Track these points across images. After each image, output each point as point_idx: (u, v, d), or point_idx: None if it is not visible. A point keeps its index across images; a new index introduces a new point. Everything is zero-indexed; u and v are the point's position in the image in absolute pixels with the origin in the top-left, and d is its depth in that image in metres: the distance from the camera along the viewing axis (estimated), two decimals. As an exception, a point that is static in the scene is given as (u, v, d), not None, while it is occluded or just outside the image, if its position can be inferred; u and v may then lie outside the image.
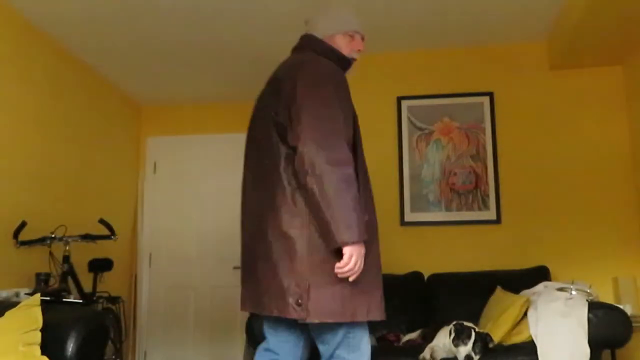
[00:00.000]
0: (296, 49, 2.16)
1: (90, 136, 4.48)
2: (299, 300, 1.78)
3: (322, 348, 1.95)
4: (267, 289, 1.86)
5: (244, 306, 2.00)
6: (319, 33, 2.14)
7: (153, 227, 5.27)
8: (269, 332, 2.06)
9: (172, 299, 5.13)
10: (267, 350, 2.04)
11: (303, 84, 1.86)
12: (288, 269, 1.81)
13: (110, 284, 4.25)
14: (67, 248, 3.54)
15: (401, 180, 4.10)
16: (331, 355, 1.93)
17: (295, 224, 1.83)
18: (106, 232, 3.63)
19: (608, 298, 3.68)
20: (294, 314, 1.79)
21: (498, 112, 4.10)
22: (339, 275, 1.78)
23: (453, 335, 2.51)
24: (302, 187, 1.81)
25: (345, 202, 1.74)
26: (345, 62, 2.12)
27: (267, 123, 1.96)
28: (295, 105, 1.83)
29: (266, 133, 1.95)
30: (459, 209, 4.01)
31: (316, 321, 1.78)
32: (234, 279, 4.93)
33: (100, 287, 3.88)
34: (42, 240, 3.47)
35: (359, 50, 2.18)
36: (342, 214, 1.73)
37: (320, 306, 1.77)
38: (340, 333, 1.90)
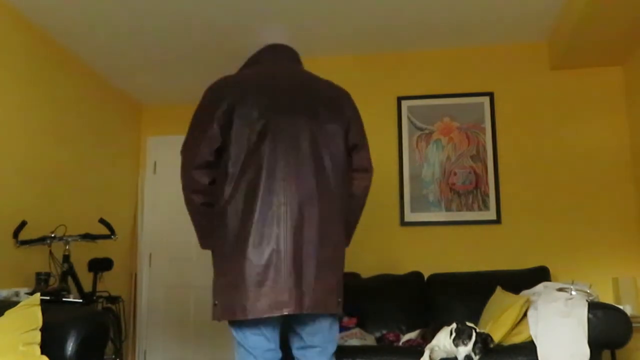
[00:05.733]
0: (297, 62, 2.21)
1: (91, 136, 4.48)
2: (340, 299, 2.00)
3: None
4: (319, 288, 1.94)
5: (288, 308, 1.88)
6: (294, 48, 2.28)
7: (153, 227, 5.27)
8: (268, 331, 1.97)
9: (172, 299, 5.13)
10: (272, 350, 1.99)
11: (358, 116, 2.15)
12: (337, 268, 2.00)
13: (110, 283, 4.25)
14: (67, 248, 3.54)
15: (401, 180, 4.10)
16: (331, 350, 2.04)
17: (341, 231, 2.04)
18: (106, 231, 3.63)
19: (608, 298, 3.68)
20: (339, 309, 2.00)
21: (498, 112, 4.10)
22: None
23: (454, 335, 2.51)
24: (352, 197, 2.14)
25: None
26: None
27: (328, 132, 2.02)
28: (362, 133, 2.15)
29: (327, 141, 2.02)
30: (459, 209, 4.01)
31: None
32: (234, 279, 4.93)
33: (100, 287, 3.87)
34: (42, 240, 3.47)
35: None
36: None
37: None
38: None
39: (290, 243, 1.89)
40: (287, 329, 2.06)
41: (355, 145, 2.10)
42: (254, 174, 1.92)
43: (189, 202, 2.08)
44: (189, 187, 2.06)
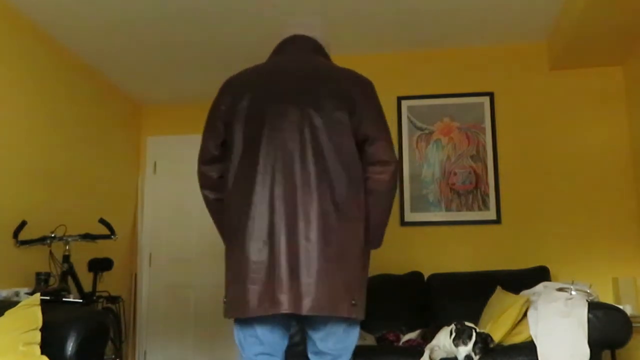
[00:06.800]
0: (314, 52, 2.12)
1: (90, 136, 4.48)
2: (353, 301, 1.86)
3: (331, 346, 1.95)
4: (324, 288, 1.83)
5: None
6: (319, 39, 2.17)
7: (153, 227, 5.27)
8: (265, 334, 1.93)
9: (172, 299, 5.13)
10: (265, 354, 1.95)
11: (374, 105, 2.01)
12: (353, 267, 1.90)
13: (110, 283, 4.25)
14: (67, 247, 3.54)
15: (401, 180, 4.10)
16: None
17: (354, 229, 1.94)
18: (106, 231, 3.63)
19: (608, 298, 3.68)
20: (352, 313, 1.86)
21: (498, 112, 4.10)
22: None
23: (454, 335, 2.51)
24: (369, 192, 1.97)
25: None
26: None
27: (331, 123, 1.91)
28: (378, 124, 1.99)
29: (330, 133, 1.90)
30: (459, 209, 4.01)
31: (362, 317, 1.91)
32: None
33: (100, 287, 3.87)
34: (42, 240, 3.47)
35: None
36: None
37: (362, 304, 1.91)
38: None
39: (285, 239, 1.81)
40: (301, 331, 2.02)
41: (367, 136, 1.93)
42: (250, 167, 1.89)
43: (204, 199, 2.09)
44: (201, 183, 2.08)
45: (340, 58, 4.32)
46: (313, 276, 1.79)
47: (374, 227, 1.98)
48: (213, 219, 2.13)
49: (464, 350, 2.44)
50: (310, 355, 2.00)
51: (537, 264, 3.65)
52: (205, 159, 2.04)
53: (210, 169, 2.04)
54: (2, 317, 2.24)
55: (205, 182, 2.07)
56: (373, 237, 1.99)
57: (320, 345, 1.93)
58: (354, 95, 1.96)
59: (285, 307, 1.77)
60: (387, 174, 1.94)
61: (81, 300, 3.34)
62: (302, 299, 1.78)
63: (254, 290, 1.80)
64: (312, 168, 1.86)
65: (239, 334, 1.95)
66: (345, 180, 1.88)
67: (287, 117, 1.90)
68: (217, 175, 2.03)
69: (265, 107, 1.92)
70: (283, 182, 1.85)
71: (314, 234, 1.81)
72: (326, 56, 2.15)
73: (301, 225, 1.81)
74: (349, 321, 1.92)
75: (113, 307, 3.95)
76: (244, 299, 1.81)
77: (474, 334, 2.47)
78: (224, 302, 1.91)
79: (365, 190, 1.94)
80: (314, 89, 1.94)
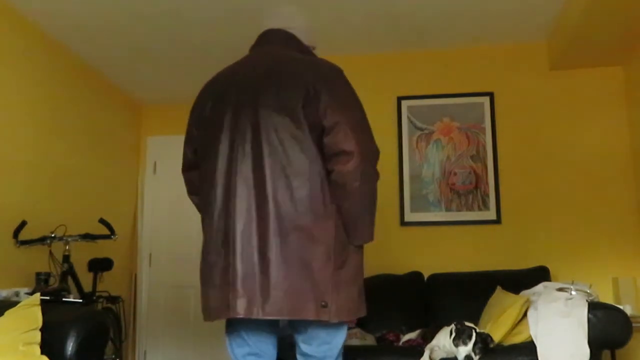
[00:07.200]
0: (285, 44, 2.04)
1: (91, 136, 4.48)
2: (323, 303, 1.76)
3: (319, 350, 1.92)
4: (286, 290, 1.77)
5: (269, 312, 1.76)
6: (293, 29, 2.09)
7: (153, 227, 5.27)
8: (249, 335, 1.94)
9: (172, 299, 5.13)
10: (252, 354, 1.95)
11: (338, 95, 1.87)
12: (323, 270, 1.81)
13: (110, 283, 4.25)
14: (67, 247, 3.54)
15: (401, 180, 4.10)
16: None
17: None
18: (106, 231, 3.63)
19: (608, 298, 3.68)
20: (323, 315, 1.76)
21: (498, 112, 4.10)
22: None
23: (454, 335, 2.51)
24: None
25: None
26: None
27: (284, 116, 1.81)
28: (340, 112, 1.85)
29: (285, 125, 1.81)
30: (459, 209, 4.01)
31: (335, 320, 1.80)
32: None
33: (100, 287, 3.88)
34: (42, 240, 3.47)
35: None
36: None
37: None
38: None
39: (240, 243, 1.75)
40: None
41: (324, 127, 1.80)
42: (210, 170, 1.89)
43: (194, 204, 2.11)
44: (187, 190, 2.12)
45: (340, 58, 4.33)
46: (270, 280, 1.73)
47: (351, 221, 1.86)
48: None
49: (464, 350, 2.44)
50: (298, 357, 1.98)
51: (537, 264, 3.65)
52: (184, 166, 2.09)
53: (191, 175, 2.08)
54: (2, 317, 2.24)
55: (190, 188, 2.11)
56: (354, 231, 1.87)
57: (304, 348, 1.90)
58: (313, 84, 1.82)
59: (238, 311, 1.74)
60: (348, 165, 1.79)
61: (81, 300, 3.34)
62: (255, 303, 1.73)
63: (213, 295, 1.80)
64: (267, 168, 1.78)
65: (227, 335, 1.97)
66: (305, 177, 1.79)
67: (241, 118, 1.85)
68: (198, 180, 2.03)
69: (223, 110, 1.91)
70: (241, 184, 1.80)
71: (271, 237, 1.74)
72: (299, 45, 2.04)
73: (257, 227, 1.76)
74: (335, 325, 1.85)
75: (113, 307, 3.95)
76: (207, 304, 1.84)
77: (473, 334, 2.47)
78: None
79: (332, 184, 1.83)
80: (272, 84, 1.86)
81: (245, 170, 1.81)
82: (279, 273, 1.73)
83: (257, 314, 1.73)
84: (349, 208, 1.84)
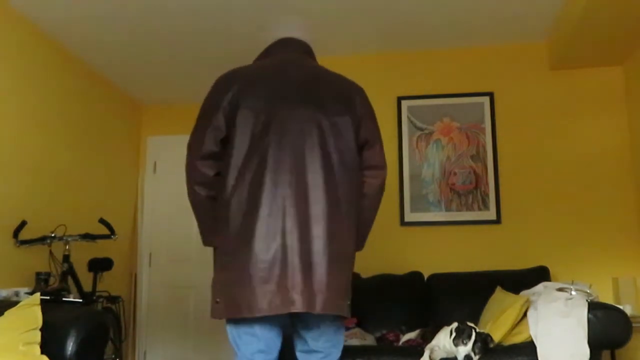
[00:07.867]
0: (308, 55, 2.13)
1: (90, 136, 4.48)
2: (348, 301, 1.92)
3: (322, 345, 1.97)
4: (332, 287, 1.85)
5: (293, 306, 1.81)
6: (308, 41, 2.19)
7: (153, 227, 5.27)
8: (262, 332, 1.92)
9: (172, 299, 5.13)
10: (261, 352, 1.94)
11: (371, 111, 2.07)
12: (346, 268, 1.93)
13: (110, 283, 4.25)
14: (67, 247, 3.54)
15: (401, 180, 4.10)
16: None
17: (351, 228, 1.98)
18: (106, 231, 3.63)
19: (608, 298, 3.68)
20: (347, 312, 1.91)
21: (498, 112, 4.11)
22: None
23: (453, 335, 2.51)
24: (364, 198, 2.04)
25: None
26: None
27: (336, 126, 1.95)
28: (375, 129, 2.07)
29: (335, 135, 1.94)
30: (459, 209, 4.01)
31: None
32: (234, 279, 4.93)
33: (100, 287, 3.88)
34: (42, 240, 3.47)
35: None
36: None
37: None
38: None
39: (297, 238, 1.81)
40: (291, 330, 2.00)
41: (366, 141, 2.01)
42: (258, 165, 1.85)
43: (193, 195, 1.98)
44: (193, 179, 1.97)
45: (340, 58, 4.34)
46: (324, 276, 1.82)
47: (363, 229, 2.05)
48: (197, 215, 2.02)
49: (464, 350, 2.44)
50: (298, 354, 2.00)
51: (537, 264, 3.65)
52: (202, 154, 1.94)
53: (207, 165, 1.94)
54: (2, 317, 2.24)
55: (199, 178, 1.96)
56: (361, 239, 2.05)
57: (312, 344, 1.96)
58: (354, 100, 2.00)
59: (298, 306, 1.78)
60: (381, 178, 2.05)
61: (81, 300, 3.34)
62: (316, 298, 1.80)
63: (263, 290, 1.79)
64: (320, 171, 1.87)
65: (233, 333, 1.94)
66: (348, 183, 1.93)
67: (296, 118, 1.90)
68: (214, 172, 1.94)
69: (272, 107, 1.90)
70: (293, 183, 1.84)
71: (323, 235, 1.84)
72: (315, 59, 2.16)
73: (311, 226, 1.83)
74: (340, 321, 1.99)
75: (113, 307, 3.96)
76: (252, 298, 1.79)
77: (473, 333, 2.47)
78: (217, 303, 1.88)
79: (360, 193, 2.01)
80: (317, 92, 1.95)
81: (300, 171, 1.87)
82: (330, 271, 1.83)
83: (314, 308, 1.80)
84: (368, 216, 2.05)
